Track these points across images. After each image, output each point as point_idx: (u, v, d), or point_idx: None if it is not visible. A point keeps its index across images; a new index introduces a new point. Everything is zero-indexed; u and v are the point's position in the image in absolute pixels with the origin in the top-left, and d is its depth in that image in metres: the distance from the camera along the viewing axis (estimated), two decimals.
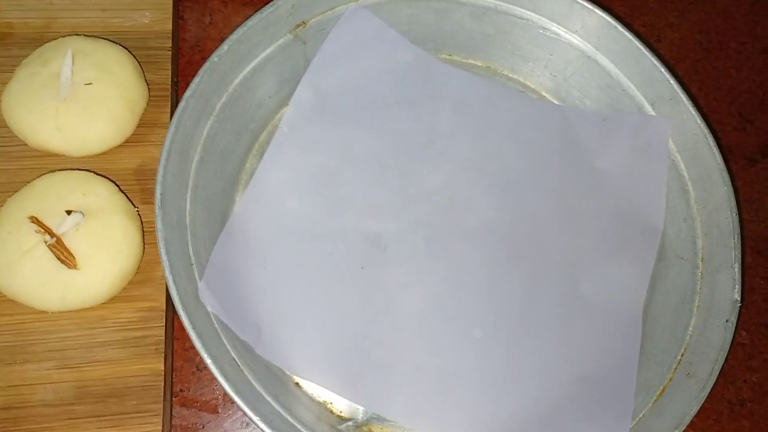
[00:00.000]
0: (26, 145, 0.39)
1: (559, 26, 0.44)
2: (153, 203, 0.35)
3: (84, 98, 0.38)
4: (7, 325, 0.36)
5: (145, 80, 0.41)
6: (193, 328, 0.31)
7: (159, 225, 0.33)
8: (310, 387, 0.37)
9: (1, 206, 0.37)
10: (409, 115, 0.44)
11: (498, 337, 0.39)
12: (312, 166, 0.41)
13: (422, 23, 0.45)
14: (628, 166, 0.43)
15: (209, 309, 0.34)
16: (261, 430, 0.31)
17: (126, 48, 0.42)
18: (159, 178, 0.34)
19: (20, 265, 0.34)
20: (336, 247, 0.39)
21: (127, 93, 0.39)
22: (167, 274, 0.32)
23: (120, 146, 0.40)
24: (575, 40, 0.44)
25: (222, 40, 0.44)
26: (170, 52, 0.43)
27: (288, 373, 0.37)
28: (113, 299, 0.37)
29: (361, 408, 0.37)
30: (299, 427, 0.33)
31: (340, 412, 0.37)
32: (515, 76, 0.47)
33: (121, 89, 0.39)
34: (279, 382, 0.36)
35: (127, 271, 0.36)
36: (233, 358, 0.33)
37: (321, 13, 0.42)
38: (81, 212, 0.35)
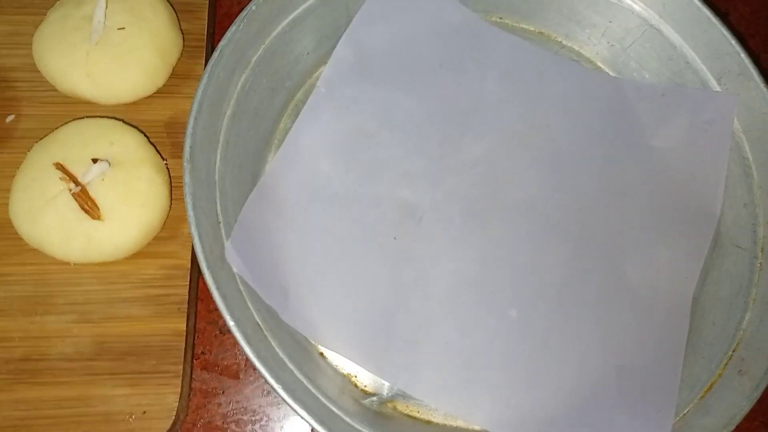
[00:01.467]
0: (56, 90, 0.38)
1: None
2: (182, 157, 0.34)
3: (116, 44, 0.37)
4: (30, 274, 0.35)
5: (180, 29, 0.40)
6: (217, 289, 0.30)
7: (187, 179, 0.32)
8: (334, 358, 0.36)
9: (29, 152, 0.36)
10: (454, 80, 0.42)
11: (534, 319, 0.37)
12: (348, 128, 0.40)
13: None
14: (686, 146, 0.40)
15: (235, 270, 0.33)
16: (282, 398, 0.29)
17: None
18: (189, 129, 0.33)
19: (43, 213, 0.34)
20: (369, 214, 0.38)
21: (160, 41, 0.38)
22: (193, 230, 0.31)
23: (151, 96, 0.39)
24: (638, 6, 0.41)
25: None
26: (207, 2, 0.42)
27: (313, 342, 0.36)
28: (137, 255, 0.36)
29: (386, 383, 0.35)
30: (322, 398, 0.31)
31: (365, 386, 0.36)
32: (569, 44, 0.44)
33: (154, 36, 0.38)
34: (303, 351, 0.35)
35: (152, 226, 0.35)
36: (257, 323, 0.32)
37: None
38: (107, 161, 0.34)
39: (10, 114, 0.38)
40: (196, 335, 0.37)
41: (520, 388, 0.35)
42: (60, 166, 0.34)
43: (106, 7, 0.37)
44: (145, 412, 0.33)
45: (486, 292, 0.37)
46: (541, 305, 0.37)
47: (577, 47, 0.44)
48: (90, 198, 0.34)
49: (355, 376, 0.36)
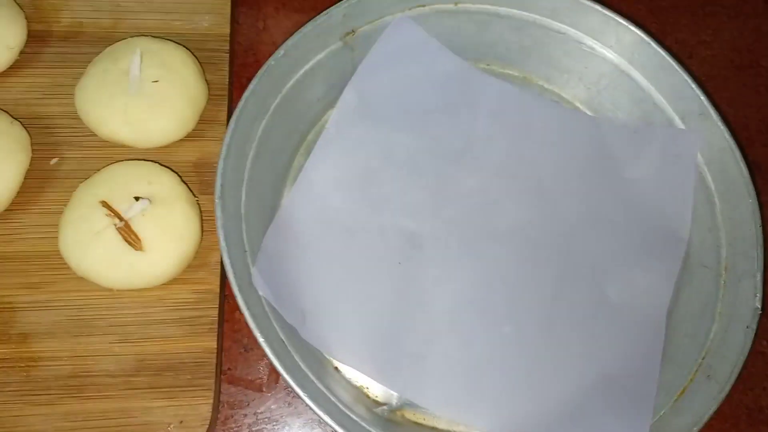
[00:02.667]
0: (95, 135, 0.42)
1: (594, 41, 0.46)
2: (210, 194, 0.38)
3: (151, 95, 0.41)
4: (75, 300, 0.39)
5: (206, 80, 0.44)
6: (248, 309, 0.34)
7: (219, 214, 0.35)
8: (348, 371, 0.39)
9: (73, 191, 0.39)
10: (447, 121, 0.46)
11: (526, 334, 0.41)
12: (354, 165, 0.43)
13: (463, 34, 0.47)
14: (657, 177, 0.45)
15: (260, 293, 0.36)
16: (308, 405, 0.33)
17: (188, 49, 0.44)
18: (219, 170, 0.36)
19: (91, 246, 0.37)
20: (375, 242, 0.42)
21: (189, 91, 0.42)
22: (226, 259, 0.35)
23: (181, 140, 0.43)
24: (609, 54, 0.46)
25: (274, 44, 0.47)
26: (228, 55, 0.46)
27: (328, 357, 0.39)
28: (171, 281, 0.39)
29: (395, 394, 0.39)
30: (341, 406, 0.35)
31: (376, 396, 0.39)
32: (550, 87, 0.49)
33: (185, 88, 0.42)
34: (320, 365, 0.38)
35: (188, 256, 0.39)
36: (282, 339, 0.35)
37: (369, 22, 0.44)
38: (148, 199, 0.38)
39: (54, 157, 0.42)
40: (222, 353, 0.41)
41: (516, 396, 0.39)
42: (105, 204, 0.38)
43: (141, 62, 0.41)
44: (181, 422, 0.36)
45: (483, 310, 0.41)
46: (532, 321, 0.41)
47: (557, 89, 0.48)
48: (133, 232, 0.37)
49: (367, 388, 0.39)
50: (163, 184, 0.39)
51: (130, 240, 0.37)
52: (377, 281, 0.41)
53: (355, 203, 0.42)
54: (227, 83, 0.45)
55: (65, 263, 0.38)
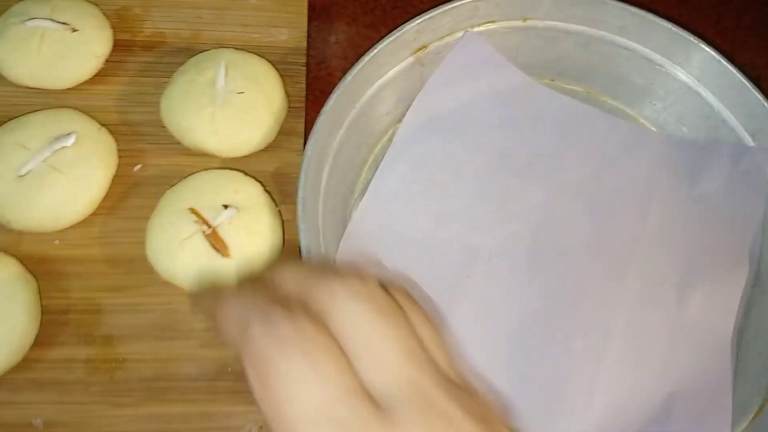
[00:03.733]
0: (178, 143, 0.43)
1: (663, 58, 0.46)
2: (288, 203, 0.40)
3: (236, 105, 0.42)
4: (160, 304, 0.39)
5: (286, 92, 0.45)
6: None
7: (301, 226, 0.36)
8: None
9: (156, 197, 0.40)
10: (512, 136, 0.46)
11: (597, 350, 0.40)
12: (420, 179, 0.44)
13: (529, 50, 0.48)
14: (724, 194, 0.44)
15: None
16: None
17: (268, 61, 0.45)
18: (301, 183, 0.37)
19: (179, 251, 0.38)
20: (442, 257, 0.42)
21: (272, 103, 0.43)
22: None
23: (261, 150, 0.44)
24: (678, 72, 0.46)
25: (346, 57, 0.48)
26: (305, 68, 0.47)
27: None
28: None
29: None
30: None
31: None
32: (615, 103, 0.49)
33: (268, 100, 0.43)
34: None
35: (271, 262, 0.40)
36: None
37: (439, 38, 0.45)
38: (236, 207, 0.39)
39: (137, 164, 0.43)
40: None
41: (586, 412, 0.39)
42: (194, 211, 0.39)
43: (226, 74, 0.42)
44: (261, 427, 0.37)
45: (551, 325, 0.41)
46: (603, 337, 0.41)
47: (623, 106, 0.49)
48: (220, 239, 0.38)
49: None
50: (248, 193, 0.40)
51: (217, 246, 0.38)
52: (447, 295, 0.41)
53: (422, 217, 0.43)
54: (304, 96, 0.46)
55: (150, 267, 0.39)
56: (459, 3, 0.43)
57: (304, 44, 0.48)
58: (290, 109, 0.45)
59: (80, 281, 0.40)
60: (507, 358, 0.40)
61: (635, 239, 0.44)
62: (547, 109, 0.47)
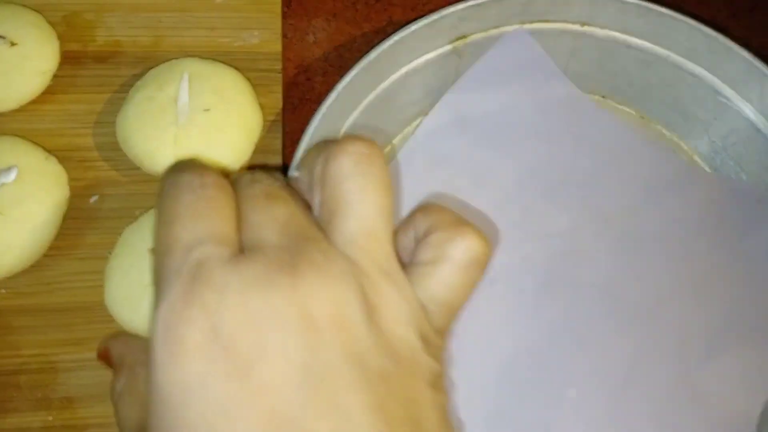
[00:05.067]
0: (138, 169, 0.38)
1: (732, 91, 0.40)
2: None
3: (202, 124, 0.37)
4: None
5: (259, 105, 0.40)
6: None
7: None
8: None
9: (117, 232, 0.36)
10: (547, 150, 0.42)
11: (592, 404, 0.37)
12: (438, 179, 0.40)
13: (583, 59, 0.42)
14: None
15: None
16: None
17: (238, 70, 0.40)
18: (296, 162, 0.34)
19: (144, 299, 0.34)
20: None
21: (244, 119, 0.38)
22: None
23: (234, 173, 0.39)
24: (747, 108, 0.40)
25: (326, 59, 0.45)
26: (281, 74, 0.42)
27: None
28: None
29: None
30: None
31: None
32: (668, 133, 0.44)
33: (239, 116, 0.38)
34: None
35: None
36: None
37: (483, 30, 0.40)
38: None
39: (93, 195, 0.38)
40: None
41: None
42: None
43: (190, 88, 0.37)
44: None
45: (547, 366, 0.38)
46: (602, 391, 0.37)
47: (677, 138, 0.44)
48: None
49: None
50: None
51: None
52: None
53: None
54: (281, 107, 0.41)
55: (110, 317, 0.35)
56: None
57: (279, 47, 0.42)
58: (265, 124, 0.40)
59: (32, 336, 0.35)
60: (492, 391, 0.36)
61: (663, 287, 0.40)
62: (592, 128, 0.42)
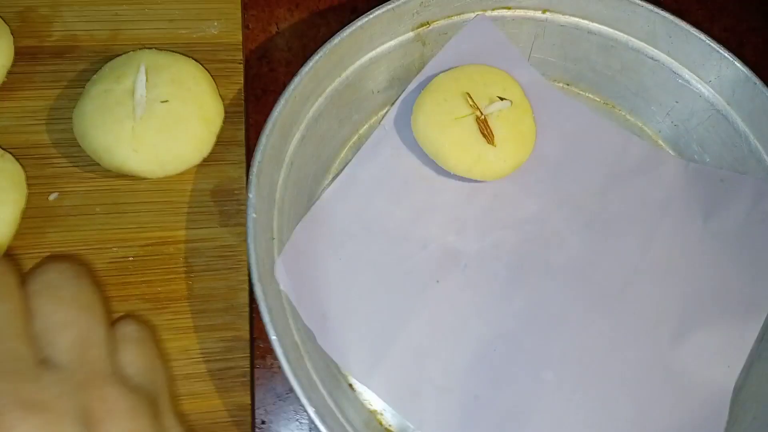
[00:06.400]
0: (98, 165, 0.37)
1: (691, 73, 0.41)
2: (231, 225, 0.37)
3: (161, 117, 0.36)
4: None
5: (220, 96, 0.39)
6: (265, 300, 0.30)
7: (252, 193, 0.32)
8: (363, 391, 0.36)
9: (77, 229, 0.36)
10: None
11: (569, 385, 0.37)
12: (406, 169, 0.40)
13: (546, 46, 0.43)
14: (740, 234, 0.41)
15: (281, 287, 0.33)
16: (312, 420, 0.29)
17: (197, 61, 0.39)
18: (260, 146, 0.33)
19: (450, 129, 0.38)
20: (415, 254, 0.38)
21: (204, 111, 0.37)
22: (250, 242, 0.32)
23: (197, 166, 0.38)
24: (706, 90, 0.41)
25: (290, 49, 0.44)
26: (242, 65, 0.41)
27: (343, 371, 0.35)
28: (194, 329, 0.35)
29: (411, 426, 0.35)
30: (349, 429, 0.31)
31: (389, 425, 0.35)
32: (632, 118, 0.44)
33: (199, 107, 0.37)
34: (333, 379, 0.35)
35: (522, 162, 0.40)
36: (296, 342, 0.32)
37: (447, 16, 0.40)
38: (510, 101, 0.39)
39: (52, 192, 0.37)
40: (254, 404, 0.36)
41: None
42: (469, 96, 0.39)
43: (147, 80, 0.36)
44: None
45: (523, 350, 0.37)
46: (578, 372, 0.37)
47: (641, 123, 0.44)
48: (489, 126, 0.38)
49: (381, 414, 0.35)
50: (515, 95, 0.40)
51: (485, 133, 0.38)
52: (410, 297, 0.37)
53: (400, 208, 0.39)
54: (243, 98, 0.41)
55: None
56: None
57: (239, 37, 0.42)
58: (227, 115, 0.39)
59: None
60: (466, 377, 0.36)
61: (633, 268, 0.39)
62: (557, 115, 0.43)
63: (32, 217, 0.36)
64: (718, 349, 0.38)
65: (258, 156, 0.33)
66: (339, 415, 0.31)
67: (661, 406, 0.37)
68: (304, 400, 0.29)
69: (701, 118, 0.42)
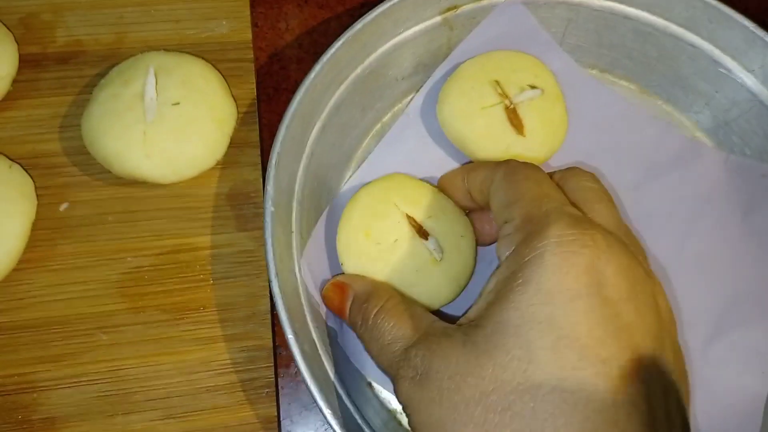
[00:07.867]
0: (109, 172, 0.36)
1: (733, 61, 0.39)
2: (249, 230, 0.36)
3: (172, 120, 0.35)
4: (106, 372, 0.33)
5: (232, 96, 0.38)
6: (282, 297, 0.29)
7: (270, 184, 0.31)
8: (382, 392, 0.35)
9: (89, 240, 0.35)
10: None
11: None
12: (429, 160, 0.39)
13: (580, 31, 0.40)
14: None
15: (306, 283, 0.32)
16: (328, 423, 0.29)
17: (207, 62, 0.38)
18: (279, 137, 0.32)
19: (478, 118, 0.36)
20: None
21: (216, 112, 0.36)
22: (267, 236, 0.30)
23: (210, 169, 0.37)
24: (749, 80, 0.39)
25: (300, 46, 0.43)
26: (252, 64, 0.40)
27: (362, 371, 0.34)
28: (215, 339, 0.34)
29: None
30: (366, 430, 0.30)
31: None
32: (669, 108, 0.42)
33: (210, 108, 0.36)
34: (352, 379, 0.34)
35: (552, 152, 0.38)
36: (314, 340, 0.31)
37: (475, 0, 0.39)
38: (541, 89, 0.37)
39: (63, 202, 0.36)
40: (280, 415, 0.35)
41: None
42: (498, 84, 0.37)
43: (157, 82, 0.35)
44: None
45: None
46: None
47: (678, 113, 0.42)
48: (518, 116, 0.36)
49: (401, 414, 0.34)
50: (546, 82, 0.38)
51: (514, 123, 0.36)
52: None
53: None
54: (255, 97, 0.39)
55: (88, 329, 0.33)
56: None
57: (249, 35, 0.40)
58: (240, 116, 0.38)
59: (7, 355, 0.33)
60: None
61: (669, 263, 0.38)
62: (590, 104, 0.41)
63: (43, 228, 0.35)
64: (753, 353, 0.37)
65: (277, 147, 0.32)
66: (356, 415, 0.31)
67: (693, 410, 0.35)
68: (320, 402, 0.28)
69: (743, 110, 0.40)
